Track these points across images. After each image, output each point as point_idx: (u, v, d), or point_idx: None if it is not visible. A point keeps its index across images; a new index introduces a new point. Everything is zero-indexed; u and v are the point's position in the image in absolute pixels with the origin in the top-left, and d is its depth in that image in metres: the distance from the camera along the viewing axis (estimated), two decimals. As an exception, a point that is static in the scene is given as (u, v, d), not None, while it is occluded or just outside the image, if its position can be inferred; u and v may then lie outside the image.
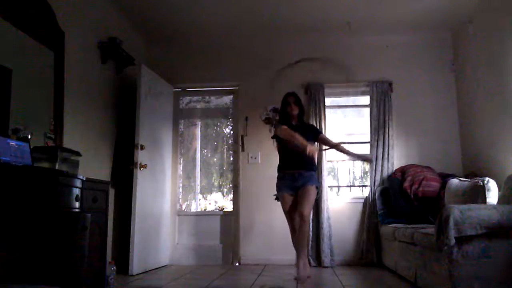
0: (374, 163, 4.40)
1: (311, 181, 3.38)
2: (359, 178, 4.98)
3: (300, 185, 3.37)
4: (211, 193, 5.09)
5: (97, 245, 2.73)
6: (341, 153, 3.68)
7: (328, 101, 4.77)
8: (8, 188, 1.92)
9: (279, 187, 3.46)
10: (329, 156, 4.60)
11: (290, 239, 3.47)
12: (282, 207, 3.45)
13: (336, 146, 3.58)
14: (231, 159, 4.89)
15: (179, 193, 4.87)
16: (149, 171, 4.04)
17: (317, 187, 3.42)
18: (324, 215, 4.32)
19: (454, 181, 3.58)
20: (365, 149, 4.63)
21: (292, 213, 3.39)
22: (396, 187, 4.13)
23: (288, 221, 3.45)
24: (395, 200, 4.10)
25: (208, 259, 4.53)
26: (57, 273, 2.07)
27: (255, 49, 4.85)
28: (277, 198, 3.51)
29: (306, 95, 4.60)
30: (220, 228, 4.67)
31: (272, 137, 3.61)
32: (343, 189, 4.92)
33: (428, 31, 4.60)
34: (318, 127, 4.44)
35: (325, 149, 3.88)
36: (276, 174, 3.51)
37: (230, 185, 4.87)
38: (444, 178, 3.98)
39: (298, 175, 3.38)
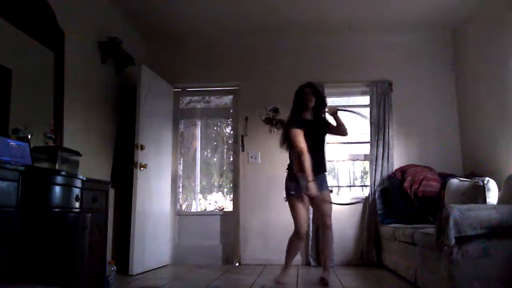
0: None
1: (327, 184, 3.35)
2: (359, 178, 4.98)
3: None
4: (211, 193, 5.09)
5: (97, 245, 2.73)
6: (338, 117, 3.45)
7: (328, 101, 4.75)
8: (8, 188, 1.92)
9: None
10: (329, 156, 4.60)
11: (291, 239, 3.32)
12: (300, 209, 3.17)
13: (338, 123, 3.42)
14: (231, 159, 4.89)
15: (179, 193, 4.87)
16: (149, 171, 4.04)
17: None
18: (324, 215, 4.32)
19: (454, 181, 3.58)
20: (365, 149, 4.63)
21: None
22: (396, 187, 4.13)
23: (305, 224, 3.23)
24: (395, 200, 4.10)
25: (208, 259, 4.53)
26: (57, 273, 2.07)
27: (255, 49, 4.85)
28: (288, 197, 3.23)
29: (306, 95, 4.60)
30: (220, 228, 4.67)
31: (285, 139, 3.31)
32: (343, 189, 4.92)
33: (428, 31, 4.60)
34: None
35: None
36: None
37: (230, 185, 4.87)
38: (444, 178, 3.97)
39: (317, 178, 3.16)
